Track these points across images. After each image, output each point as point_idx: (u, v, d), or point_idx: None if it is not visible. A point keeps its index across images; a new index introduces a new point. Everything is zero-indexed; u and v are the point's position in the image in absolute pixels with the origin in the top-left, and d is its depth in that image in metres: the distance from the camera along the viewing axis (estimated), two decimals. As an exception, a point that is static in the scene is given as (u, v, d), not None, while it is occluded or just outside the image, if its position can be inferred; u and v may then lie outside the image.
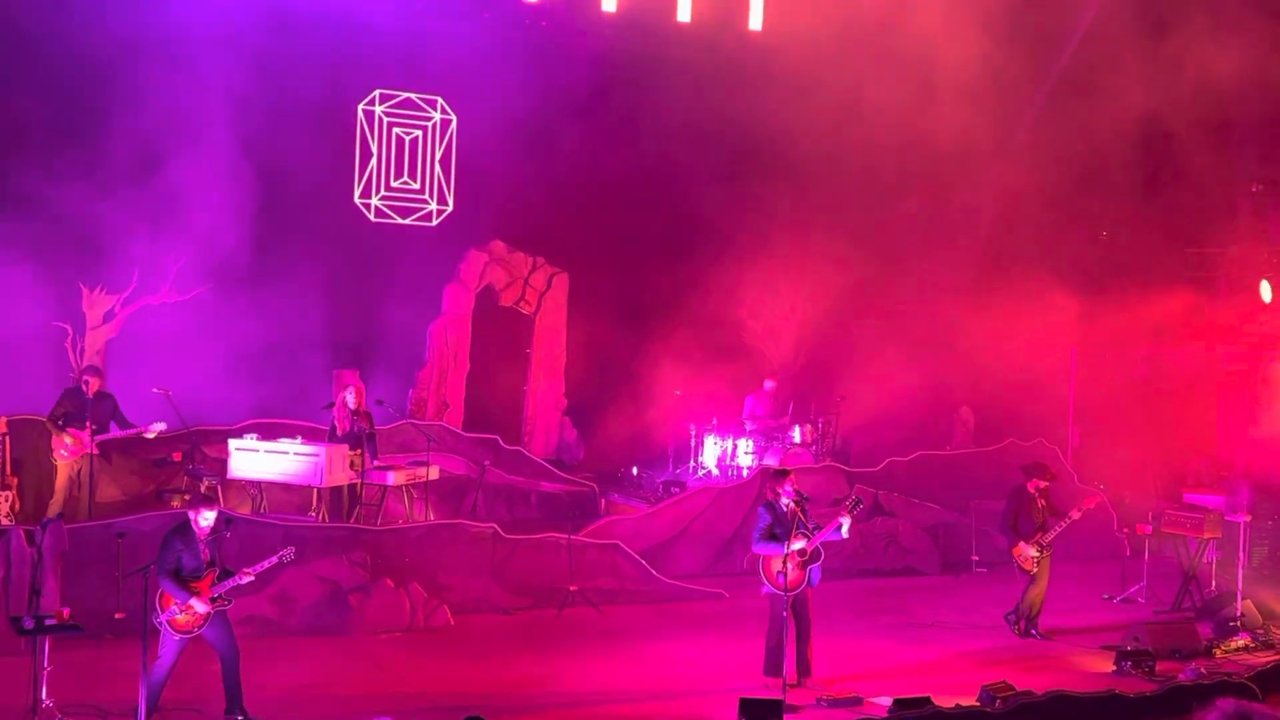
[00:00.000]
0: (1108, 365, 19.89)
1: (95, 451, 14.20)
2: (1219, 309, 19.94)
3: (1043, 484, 14.05)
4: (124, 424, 14.40)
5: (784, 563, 11.51)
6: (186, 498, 14.85)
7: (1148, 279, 19.86)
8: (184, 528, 10.46)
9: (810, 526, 11.70)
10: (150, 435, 14.57)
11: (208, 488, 14.89)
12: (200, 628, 10.35)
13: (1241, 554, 14.65)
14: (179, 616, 10.28)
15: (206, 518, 10.44)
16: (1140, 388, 20.10)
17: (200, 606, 10.29)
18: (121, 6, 16.32)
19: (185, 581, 10.30)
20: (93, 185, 16.26)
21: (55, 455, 14.19)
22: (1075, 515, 13.96)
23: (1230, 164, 19.53)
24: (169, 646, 10.33)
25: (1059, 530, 13.92)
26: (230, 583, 10.44)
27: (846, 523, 11.70)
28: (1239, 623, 14.00)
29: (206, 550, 10.45)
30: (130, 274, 16.84)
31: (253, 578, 10.60)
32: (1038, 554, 13.84)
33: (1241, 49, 17.28)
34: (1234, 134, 19.79)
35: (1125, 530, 16.80)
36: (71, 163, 16.18)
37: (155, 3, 16.40)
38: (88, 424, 14.10)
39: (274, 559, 10.60)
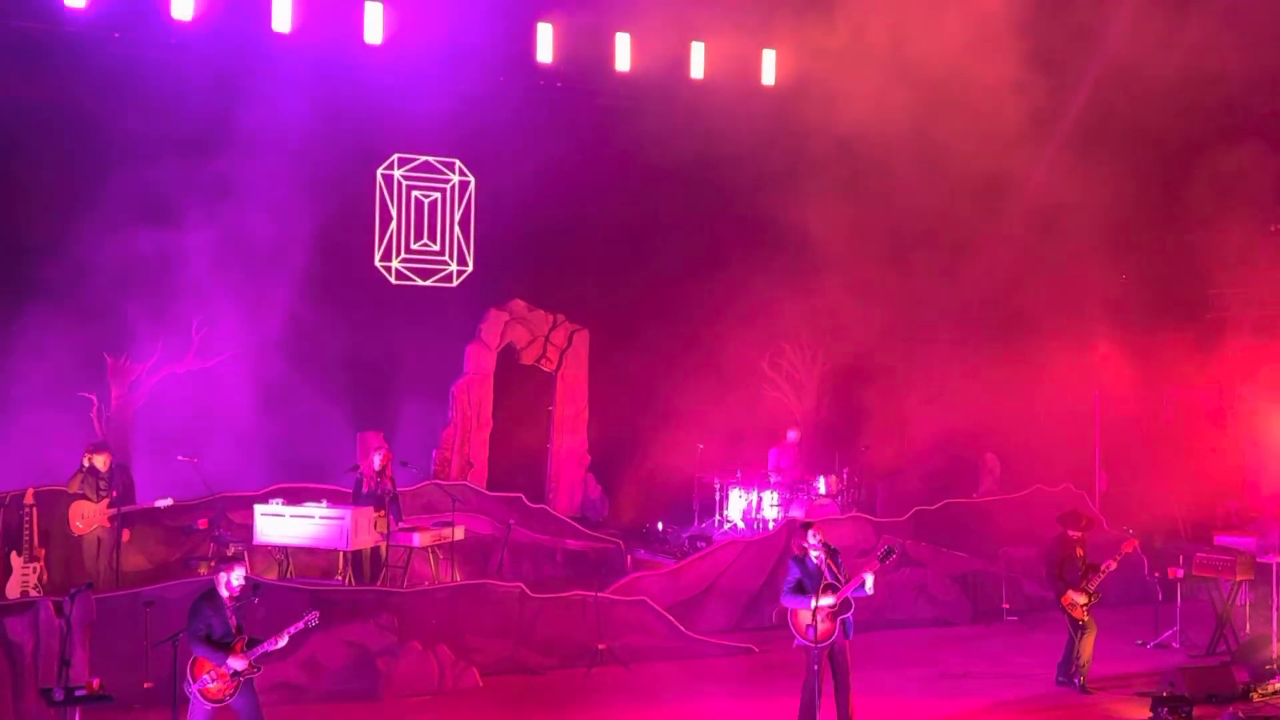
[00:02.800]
0: (1132, 408, 19.79)
1: (111, 525, 14.25)
2: (1242, 348, 19.84)
3: (1078, 534, 13.94)
4: (130, 499, 14.46)
5: (813, 615, 11.44)
6: (213, 564, 14.84)
7: (1170, 321, 19.79)
8: (212, 594, 10.43)
9: (840, 578, 11.63)
10: (160, 506, 14.64)
11: (234, 552, 14.94)
12: (231, 696, 10.29)
13: (1275, 596, 14.50)
14: (211, 685, 10.21)
15: (238, 575, 10.39)
16: (1166, 430, 19.99)
17: (239, 665, 10.20)
18: (139, 78, 16.57)
19: (219, 644, 10.26)
20: (115, 253, 16.44)
21: (71, 526, 14.28)
22: (1114, 563, 13.82)
23: (1250, 204, 19.50)
24: (199, 718, 10.28)
25: (1103, 576, 13.80)
26: (260, 649, 10.38)
27: (870, 578, 11.60)
28: (1275, 665, 13.82)
29: (233, 617, 10.42)
30: (154, 342, 16.97)
31: (284, 642, 10.54)
32: (1087, 601, 13.72)
33: (1263, 93, 17.34)
34: (1253, 175, 19.76)
35: (1157, 574, 16.64)
36: (93, 231, 16.38)
37: (173, 73, 16.65)
38: (104, 498, 14.19)
39: (300, 624, 10.57)
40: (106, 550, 14.30)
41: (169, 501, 14.60)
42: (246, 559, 14.53)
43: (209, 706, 10.23)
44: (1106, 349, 19.40)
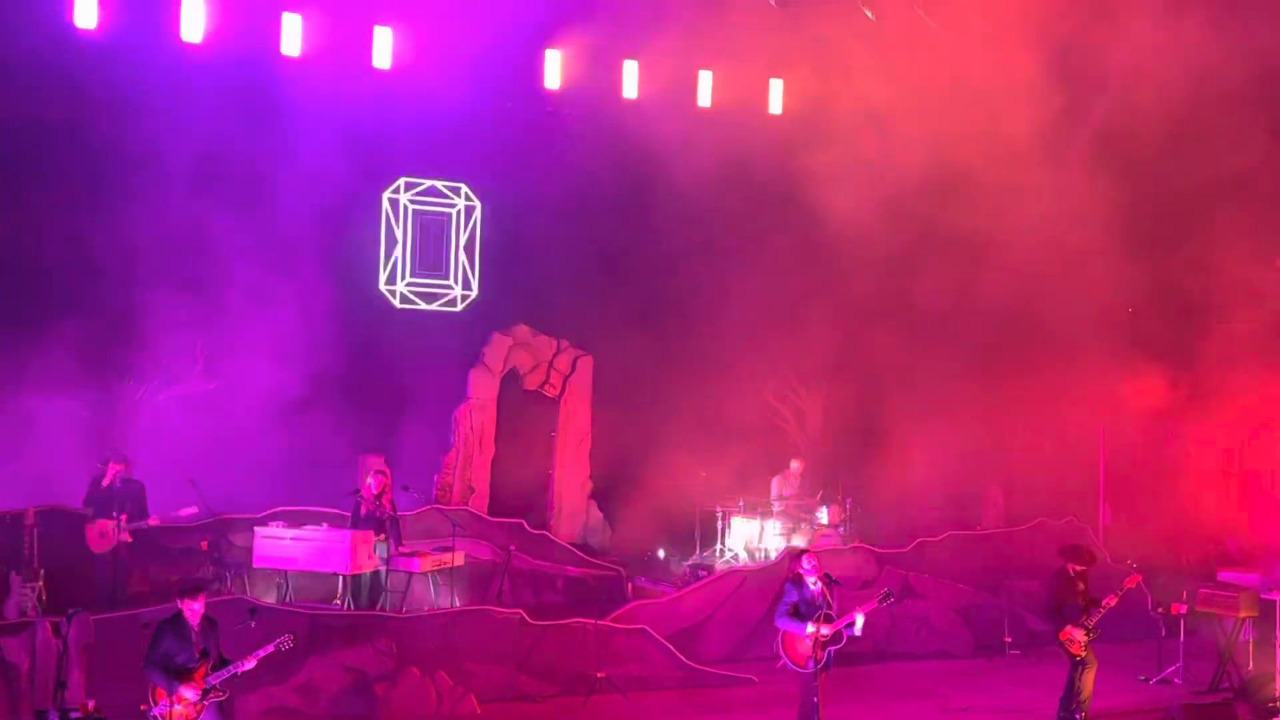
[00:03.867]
0: (1137, 442, 19.73)
1: (128, 539, 14.22)
2: (1248, 383, 19.79)
3: (1080, 568, 13.84)
4: (143, 514, 14.41)
5: (813, 644, 11.39)
6: (213, 586, 14.83)
7: (1175, 355, 19.74)
8: (176, 619, 10.36)
9: (834, 611, 11.59)
10: (184, 516, 14.63)
11: (234, 576, 14.92)
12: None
13: (1279, 632, 14.41)
14: (174, 709, 10.11)
15: (192, 609, 10.32)
16: (1171, 464, 19.92)
17: (190, 694, 10.11)
18: (148, 99, 16.63)
19: (175, 671, 10.16)
20: (121, 276, 16.48)
21: (91, 546, 14.24)
22: (1115, 599, 13.69)
23: (1257, 238, 19.47)
24: None
25: (1104, 612, 13.68)
26: (226, 671, 10.30)
27: (860, 620, 11.58)
28: (1278, 703, 13.73)
29: (200, 640, 10.33)
30: (158, 364, 16.97)
31: (252, 665, 10.44)
32: (1085, 637, 13.61)
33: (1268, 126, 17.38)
34: (1262, 208, 19.75)
35: (1160, 610, 16.54)
36: (100, 252, 16.41)
37: (182, 95, 16.71)
38: (115, 514, 14.15)
39: (271, 646, 10.47)
40: (122, 568, 14.27)
41: (193, 510, 14.59)
42: (246, 584, 14.59)
43: None
44: (1112, 382, 19.34)
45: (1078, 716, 13.57)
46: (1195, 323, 20.09)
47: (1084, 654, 13.59)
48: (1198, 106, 17.86)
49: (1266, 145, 17.84)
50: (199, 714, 10.20)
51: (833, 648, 11.55)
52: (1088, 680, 13.60)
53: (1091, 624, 13.58)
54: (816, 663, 11.36)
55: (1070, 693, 13.69)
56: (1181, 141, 18.08)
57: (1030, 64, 17.84)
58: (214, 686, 10.24)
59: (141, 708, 10.21)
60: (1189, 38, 17.46)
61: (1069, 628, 13.58)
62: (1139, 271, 19.91)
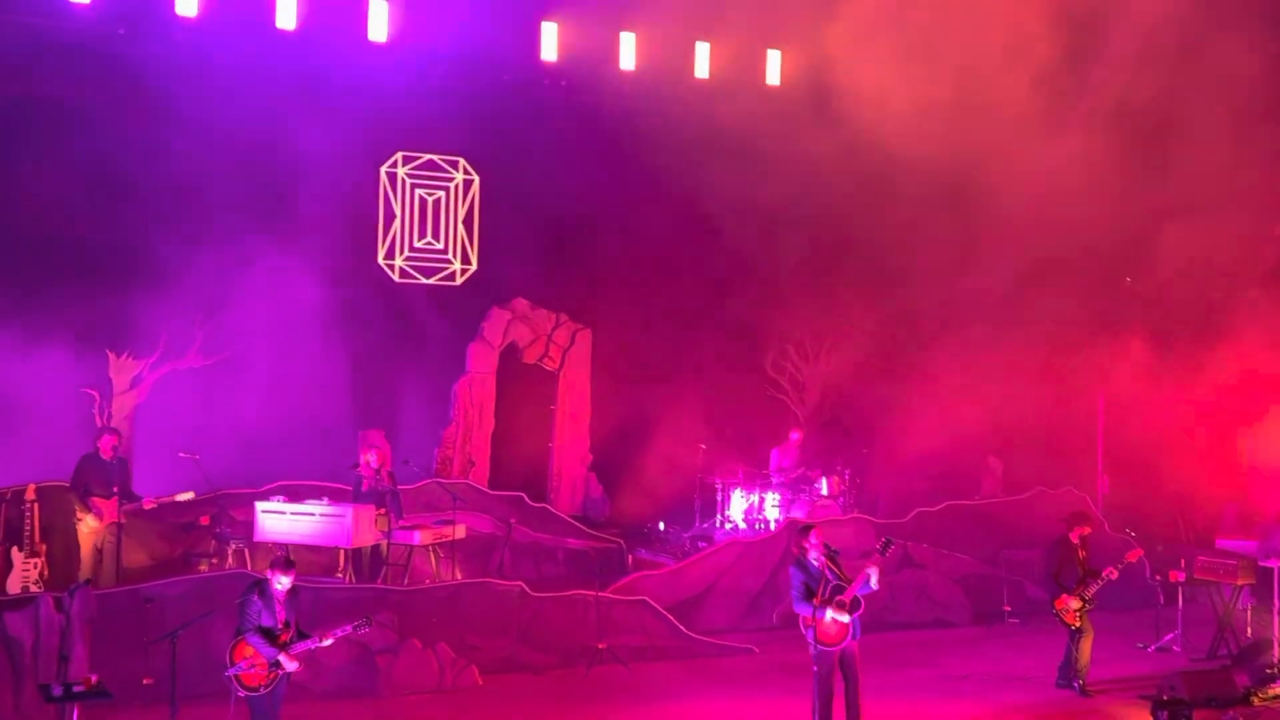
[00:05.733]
0: (1135, 411, 19.75)
1: (123, 520, 14.23)
2: (1247, 352, 19.79)
3: (1085, 531, 13.91)
4: (128, 494, 14.42)
5: (830, 621, 11.40)
6: (214, 561, 14.88)
7: (1174, 324, 19.74)
8: (262, 585, 10.52)
9: (842, 580, 11.60)
10: (181, 500, 14.64)
11: (235, 551, 14.95)
12: (266, 687, 10.34)
13: (1276, 600, 14.47)
14: (248, 671, 10.28)
15: (282, 582, 10.48)
16: (1169, 433, 19.93)
17: (289, 665, 10.36)
18: (143, 75, 16.57)
19: (274, 638, 10.32)
20: (118, 251, 16.45)
21: (81, 525, 14.23)
22: (1115, 571, 13.78)
23: (1256, 205, 19.44)
24: (260, 707, 10.32)
25: (1102, 584, 13.75)
26: (305, 645, 10.47)
27: (875, 574, 11.58)
28: (1276, 669, 13.80)
29: (284, 610, 10.48)
30: (157, 339, 16.97)
31: (330, 642, 10.66)
32: (1080, 607, 13.67)
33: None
34: (1261, 176, 19.70)
35: (1158, 578, 16.61)
36: (95, 228, 16.39)
37: (177, 70, 16.64)
38: (114, 492, 14.16)
39: (348, 627, 10.69)
40: (109, 546, 14.27)
41: (190, 496, 14.62)
42: (248, 559, 14.63)
43: (244, 693, 10.28)
44: (1110, 351, 19.35)
45: (1076, 684, 13.65)
46: (1195, 290, 20.09)
47: (1080, 623, 13.66)
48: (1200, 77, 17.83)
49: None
50: (270, 680, 10.35)
51: (856, 615, 11.56)
52: (1085, 648, 13.68)
53: (1089, 594, 13.65)
54: (830, 637, 11.37)
55: (1069, 660, 13.78)
56: (1184, 106, 18.03)
57: (1031, 27, 17.78)
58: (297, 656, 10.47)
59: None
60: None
61: (1064, 596, 13.66)
62: (1138, 239, 19.90)
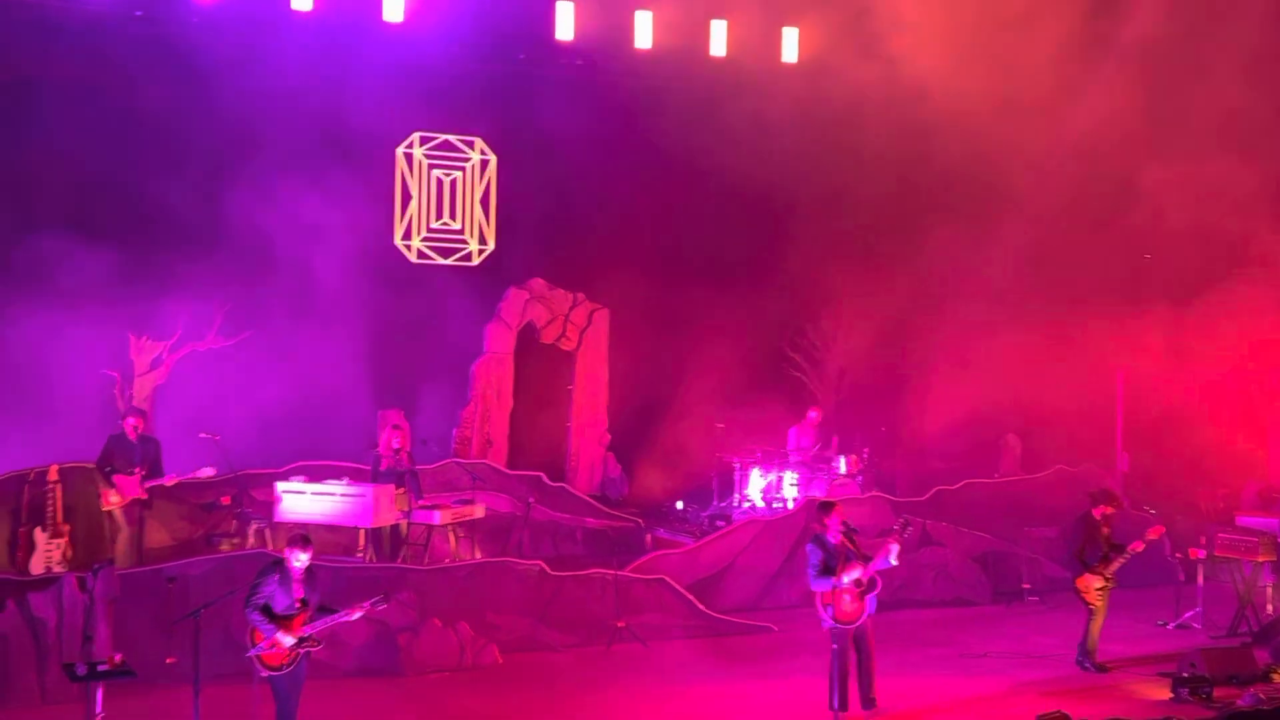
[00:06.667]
0: (1155, 388, 19.68)
1: (145, 497, 14.31)
2: (1269, 328, 19.69)
3: (1109, 510, 13.87)
4: (159, 473, 14.49)
5: (844, 594, 11.43)
6: (235, 541, 14.96)
7: (1195, 299, 19.63)
8: (280, 564, 10.54)
9: (861, 557, 11.61)
10: (202, 477, 14.72)
11: (256, 531, 15.03)
12: (287, 666, 10.37)
13: (1297, 577, 14.45)
14: (267, 651, 10.32)
15: (300, 559, 10.49)
16: (1189, 410, 19.86)
17: (287, 640, 10.31)
18: (160, 56, 16.61)
19: (275, 616, 10.36)
20: (139, 233, 16.50)
21: (104, 503, 14.31)
22: (1139, 546, 13.73)
23: (1275, 179, 19.31)
24: (280, 687, 10.38)
25: (1124, 560, 13.73)
26: (325, 621, 10.47)
27: (895, 550, 11.60)
28: (1297, 647, 13.77)
29: (300, 589, 10.50)
30: (177, 321, 17.04)
31: (356, 616, 10.65)
32: (1103, 586, 13.66)
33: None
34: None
35: (1178, 555, 16.56)
36: (115, 209, 16.44)
37: (194, 51, 16.65)
38: (136, 470, 14.23)
39: (366, 604, 10.66)
40: (133, 525, 14.36)
41: (210, 471, 14.69)
42: (269, 539, 14.70)
43: (266, 673, 10.34)
44: (1130, 328, 19.26)
45: (1087, 664, 13.64)
46: (1215, 264, 19.97)
47: (1099, 602, 13.64)
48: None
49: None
50: (291, 660, 10.37)
51: (871, 594, 11.58)
52: (1094, 628, 13.67)
53: (1109, 571, 13.62)
54: (846, 612, 11.38)
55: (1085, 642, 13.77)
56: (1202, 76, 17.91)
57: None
58: (309, 636, 10.40)
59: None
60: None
61: (1086, 575, 13.62)
62: (1159, 213, 19.77)
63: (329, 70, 17.49)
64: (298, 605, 10.43)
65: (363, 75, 17.79)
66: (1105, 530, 13.81)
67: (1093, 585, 13.62)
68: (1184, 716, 11.01)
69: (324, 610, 10.58)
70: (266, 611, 10.34)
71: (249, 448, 15.80)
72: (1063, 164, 19.76)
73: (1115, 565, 13.65)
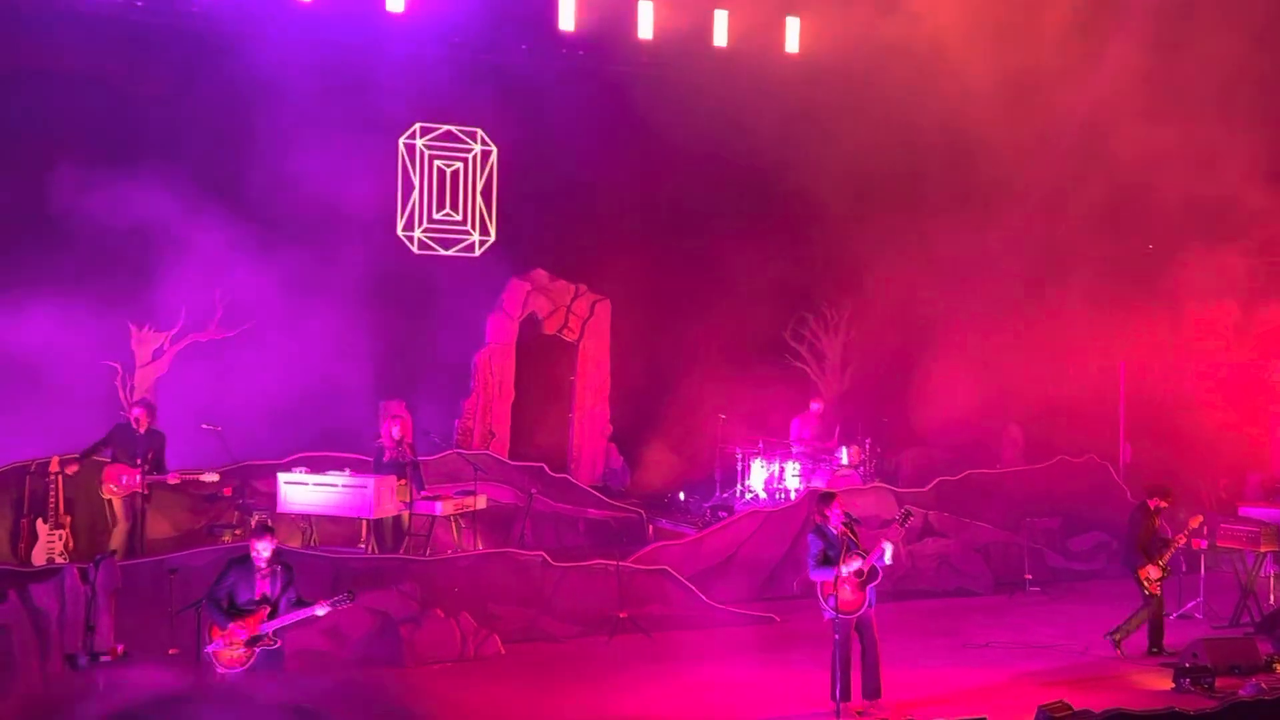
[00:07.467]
0: (1158, 379, 19.66)
1: (145, 491, 14.30)
2: (1271, 318, 19.67)
3: (1164, 503, 14.16)
4: (162, 469, 14.48)
5: (845, 585, 11.43)
6: (238, 533, 14.96)
7: (1196, 290, 19.61)
8: (244, 559, 10.44)
9: (861, 548, 11.62)
10: (206, 479, 14.72)
11: (258, 521, 15.01)
12: (246, 665, 10.19)
13: (1300, 567, 14.46)
14: (223, 651, 10.15)
15: (259, 549, 10.38)
16: (1191, 401, 19.86)
17: (239, 634, 10.14)
18: (160, 47, 16.60)
19: (232, 610, 10.20)
20: (140, 224, 16.48)
21: (104, 490, 14.32)
22: (1184, 537, 14.13)
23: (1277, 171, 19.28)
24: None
25: (1174, 550, 14.09)
26: (284, 619, 10.27)
27: (889, 549, 11.60)
28: (1299, 637, 13.78)
29: (265, 584, 10.35)
30: (178, 311, 17.04)
31: (325, 612, 10.44)
32: (1160, 577, 13.85)
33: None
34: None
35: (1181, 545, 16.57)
36: (116, 200, 16.40)
37: (194, 42, 16.67)
38: (139, 462, 14.22)
39: (327, 603, 10.51)
40: (135, 516, 14.36)
41: (215, 477, 14.70)
42: (273, 532, 14.67)
43: (222, 671, 10.17)
44: (1131, 318, 19.25)
45: (1117, 638, 13.74)
46: (1214, 255, 19.94)
47: (1159, 592, 13.87)
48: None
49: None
50: (250, 659, 10.16)
51: (872, 584, 11.58)
52: (1143, 617, 13.90)
53: (1165, 561, 13.84)
54: (848, 604, 11.39)
55: (1155, 627, 13.89)
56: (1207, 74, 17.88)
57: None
58: (265, 634, 10.16)
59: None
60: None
61: (1149, 566, 13.76)
62: (1157, 206, 19.76)
63: (331, 61, 17.47)
64: (257, 600, 10.21)
65: (364, 66, 17.79)
66: (1158, 522, 14.00)
67: (1153, 576, 13.81)
68: (1185, 706, 10.98)
69: (296, 605, 10.33)
70: (221, 605, 10.13)
71: (250, 438, 15.79)
72: (1066, 154, 19.74)
73: (1168, 556, 13.91)
